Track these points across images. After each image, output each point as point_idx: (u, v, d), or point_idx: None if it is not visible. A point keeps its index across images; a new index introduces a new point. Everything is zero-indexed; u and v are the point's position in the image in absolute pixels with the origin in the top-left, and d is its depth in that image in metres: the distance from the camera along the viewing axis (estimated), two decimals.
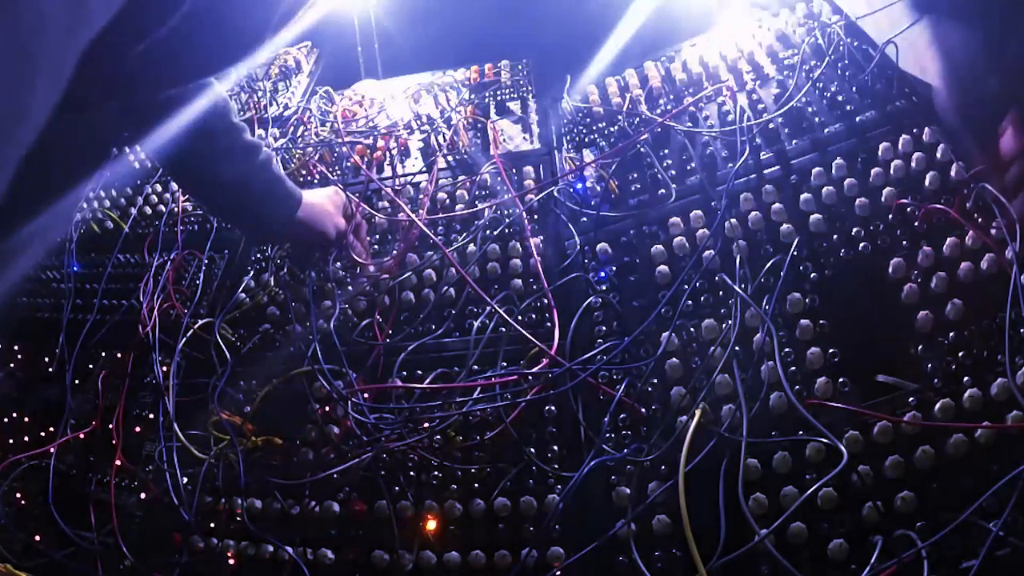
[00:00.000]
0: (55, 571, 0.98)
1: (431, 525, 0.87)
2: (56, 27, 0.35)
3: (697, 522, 0.69)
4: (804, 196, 0.94)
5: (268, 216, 1.04)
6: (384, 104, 1.44)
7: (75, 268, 1.34)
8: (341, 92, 1.51)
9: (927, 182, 0.88)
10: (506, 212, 1.14)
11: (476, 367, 0.96)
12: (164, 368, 1.08)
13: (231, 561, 0.93)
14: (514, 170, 1.19)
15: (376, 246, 1.20)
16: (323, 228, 1.11)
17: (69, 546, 0.98)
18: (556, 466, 0.87)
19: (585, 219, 1.10)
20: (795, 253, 0.89)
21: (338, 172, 1.34)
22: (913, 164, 0.90)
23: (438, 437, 0.91)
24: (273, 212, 1.04)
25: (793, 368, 0.82)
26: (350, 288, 1.13)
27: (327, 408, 1.00)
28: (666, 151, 1.11)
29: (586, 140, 1.21)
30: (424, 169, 1.28)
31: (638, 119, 1.17)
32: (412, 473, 0.92)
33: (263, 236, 1.19)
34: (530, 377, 0.91)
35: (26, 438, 1.16)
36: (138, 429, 1.09)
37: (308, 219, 1.08)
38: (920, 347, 0.78)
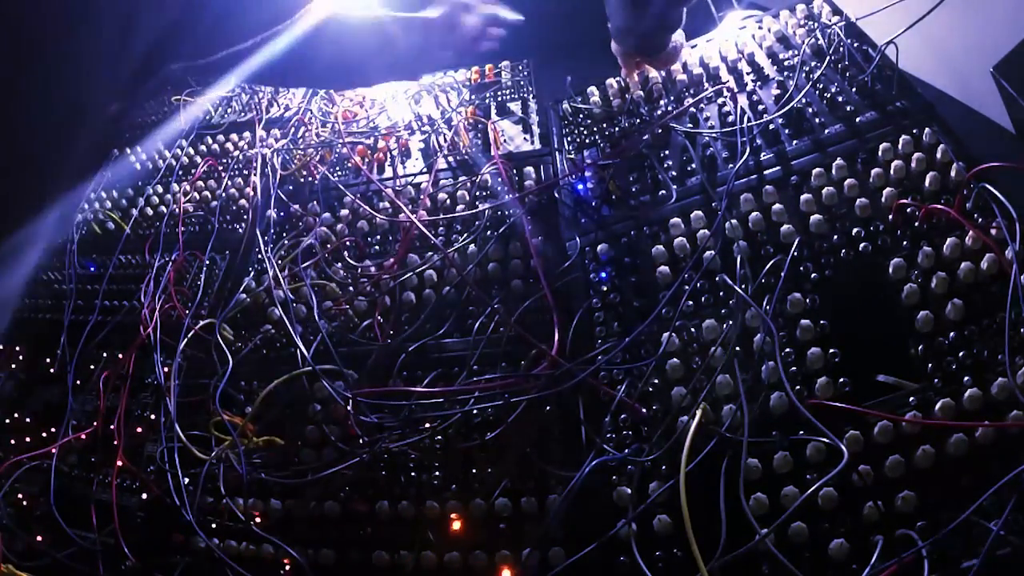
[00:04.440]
0: (57, 571, 0.98)
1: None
2: None
3: (698, 522, 0.69)
4: (804, 197, 0.94)
5: None
6: (385, 105, 1.44)
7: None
8: (342, 93, 1.51)
9: (927, 182, 0.88)
10: (507, 213, 1.14)
11: (477, 367, 0.96)
12: (165, 369, 1.08)
13: (232, 561, 0.93)
14: (514, 170, 1.19)
15: (377, 246, 1.20)
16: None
17: (71, 546, 0.98)
18: (557, 466, 0.87)
19: (585, 219, 1.10)
20: (795, 253, 0.89)
21: (339, 173, 1.34)
22: (913, 164, 0.90)
23: (439, 437, 0.91)
24: None
25: (794, 368, 0.82)
26: (351, 288, 1.13)
27: (328, 408, 1.00)
28: (666, 152, 1.11)
29: (586, 140, 1.21)
30: (425, 170, 1.28)
31: (639, 120, 1.18)
32: (412, 473, 0.92)
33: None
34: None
35: (27, 439, 1.16)
36: (139, 430, 1.09)
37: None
38: (920, 347, 0.78)
